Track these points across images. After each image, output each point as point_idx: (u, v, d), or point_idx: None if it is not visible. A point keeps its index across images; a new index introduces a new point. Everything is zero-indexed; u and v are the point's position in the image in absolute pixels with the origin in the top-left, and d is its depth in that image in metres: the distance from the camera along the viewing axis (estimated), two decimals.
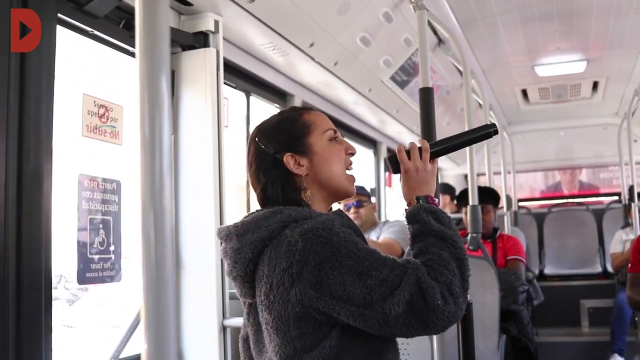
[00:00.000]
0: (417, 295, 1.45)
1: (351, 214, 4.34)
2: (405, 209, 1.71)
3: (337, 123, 5.22)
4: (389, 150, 6.62)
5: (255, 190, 1.72)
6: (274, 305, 1.53)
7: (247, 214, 1.69)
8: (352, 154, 1.77)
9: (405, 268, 1.49)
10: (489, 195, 4.84)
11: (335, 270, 1.46)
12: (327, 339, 1.52)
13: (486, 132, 1.80)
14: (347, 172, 1.74)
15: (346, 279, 1.45)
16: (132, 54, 2.71)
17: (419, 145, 1.76)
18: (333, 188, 1.71)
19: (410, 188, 1.72)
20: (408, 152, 1.75)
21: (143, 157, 0.73)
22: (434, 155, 1.76)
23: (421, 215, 1.64)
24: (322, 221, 1.54)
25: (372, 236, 4.40)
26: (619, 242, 6.12)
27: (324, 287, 1.46)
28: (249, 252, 1.57)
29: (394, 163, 1.77)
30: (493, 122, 1.81)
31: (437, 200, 1.72)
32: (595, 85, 6.81)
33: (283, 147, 1.68)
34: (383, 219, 6.03)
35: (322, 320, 1.51)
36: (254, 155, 1.72)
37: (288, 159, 1.67)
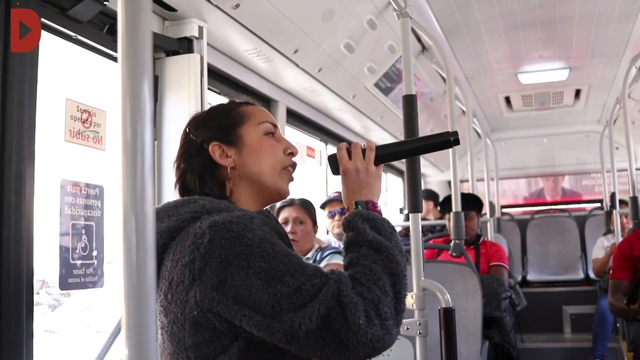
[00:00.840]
0: (336, 312, 1.24)
1: (335, 222, 4.34)
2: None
3: (322, 129, 5.24)
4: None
5: (175, 180, 1.58)
6: (170, 306, 1.32)
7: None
8: (292, 154, 1.60)
9: (327, 279, 1.29)
10: (472, 202, 4.86)
11: (242, 270, 1.26)
12: (226, 353, 1.32)
13: (444, 139, 1.58)
14: (286, 170, 1.58)
15: (253, 282, 1.25)
16: (116, 59, 2.70)
17: (363, 146, 1.57)
18: (262, 185, 1.54)
19: (349, 191, 1.54)
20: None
21: (125, 162, 0.73)
22: (381, 159, 1.57)
23: (356, 222, 1.44)
24: (237, 215, 1.35)
25: None
26: (600, 248, 6.17)
27: (227, 289, 1.26)
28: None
29: (333, 163, 1.59)
30: (454, 130, 1.62)
31: (379, 207, 1.52)
32: (577, 93, 6.88)
33: (211, 135, 1.54)
34: None
35: (222, 329, 1.31)
36: (181, 144, 1.59)
37: (214, 149, 1.52)
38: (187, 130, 1.59)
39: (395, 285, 1.33)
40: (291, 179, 1.60)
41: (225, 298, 1.26)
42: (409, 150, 1.67)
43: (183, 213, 1.41)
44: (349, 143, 1.60)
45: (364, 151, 1.57)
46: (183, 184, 1.55)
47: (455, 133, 1.58)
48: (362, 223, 1.43)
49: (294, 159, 1.62)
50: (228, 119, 1.57)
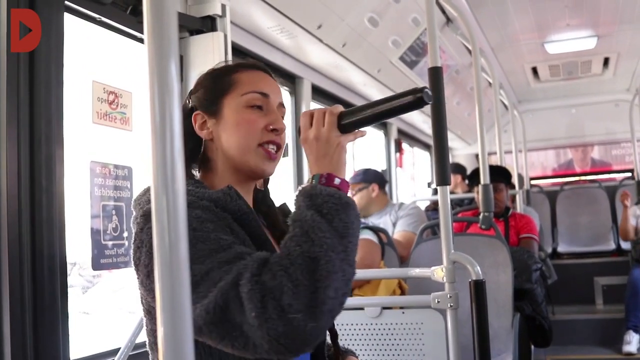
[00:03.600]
0: (234, 302, 1.11)
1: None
2: None
3: (347, 105, 5.21)
4: (399, 131, 6.61)
5: None
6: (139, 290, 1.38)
7: None
8: (276, 131, 1.45)
9: (233, 265, 1.16)
10: (500, 174, 4.82)
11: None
12: None
13: (414, 98, 1.33)
14: (264, 147, 1.44)
15: None
16: (140, 40, 2.71)
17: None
18: (235, 162, 1.44)
19: (310, 163, 1.37)
20: None
21: (154, 143, 0.73)
22: (348, 125, 1.37)
23: (297, 199, 1.27)
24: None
25: (386, 218, 4.40)
26: (632, 216, 6.10)
27: (148, 274, 1.26)
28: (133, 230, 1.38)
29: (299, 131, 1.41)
30: (424, 88, 1.33)
31: (337, 181, 1.31)
32: (606, 61, 6.77)
33: (199, 103, 1.48)
34: (395, 200, 6.03)
35: None
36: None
37: (196, 118, 1.47)
38: (190, 91, 1.54)
39: (314, 272, 1.13)
40: (270, 158, 1.46)
41: (152, 287, 1.20)
42: (377, 115, 1.40)
43: (144, 202, 1.39)
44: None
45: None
46: None
47: (422, 89, 1.33)
48: (302, 200, 1.26)
49: (283, 136, 1.49)
50: (216, 87, 1.48)
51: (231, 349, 1.15)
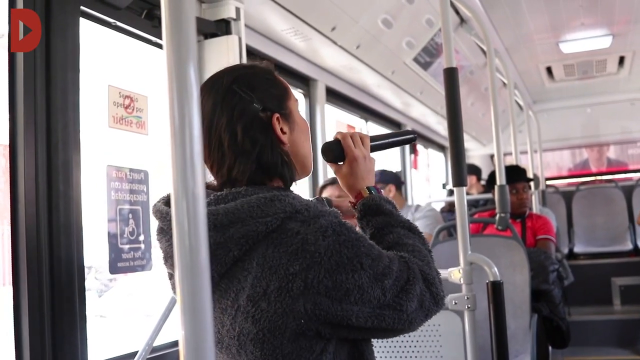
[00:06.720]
0: (424, 290, 1.33)
1: None
2: (352, 202, 1.52)
3: (361, 107, 5.22)
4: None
5: (227, 157, 1.32)
6: (266, 315, 1.22)
7: (220, 195, 1.30)
8: None
9: (404, 260, 1.34)
10: (524, 174, 4.79)
11: (356, 272, 1.22)
12: (320, 356, 1.26)
13: (406, 137, 1.73)
14: None
15: (364, 281, 1.23)
16: (155, 44, 2.72)
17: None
18: (306, 169, 1.46)
19: (358, 177, 1.50)
20: None
21: (173, 147, 0.73)
22: (374, 149, 1.59)
23: (384, 206, 1.45)
24: (333, 214, 1.28)
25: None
26: None
27: (341, 292, 1.21)
28: (235, 249, 1.23)
29: (337, 149, 1.51)
30: (411, 129, 1.64)
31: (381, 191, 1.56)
32: (621, 60, 6.73)
33: (272, 104, 1.35)
34: (411, 202, 6.02)
35: (324, 334, 1.25)
36: (230, 106, 1.31)
37: (276, 122, 1.34)
38: (235, 89, 1.33)
39: (432, 260, 1.42)
40: None
41: (339, 302, 1.22)
42: (383, 145, 1.68)
43: (272, 214, 1.24)
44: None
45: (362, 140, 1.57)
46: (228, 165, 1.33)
47: (413, 131, 1.78)
48: (388, 206, 1.48)
49: None
50: (280, 88, 1.40)
51: (404, 329, 1.33)
